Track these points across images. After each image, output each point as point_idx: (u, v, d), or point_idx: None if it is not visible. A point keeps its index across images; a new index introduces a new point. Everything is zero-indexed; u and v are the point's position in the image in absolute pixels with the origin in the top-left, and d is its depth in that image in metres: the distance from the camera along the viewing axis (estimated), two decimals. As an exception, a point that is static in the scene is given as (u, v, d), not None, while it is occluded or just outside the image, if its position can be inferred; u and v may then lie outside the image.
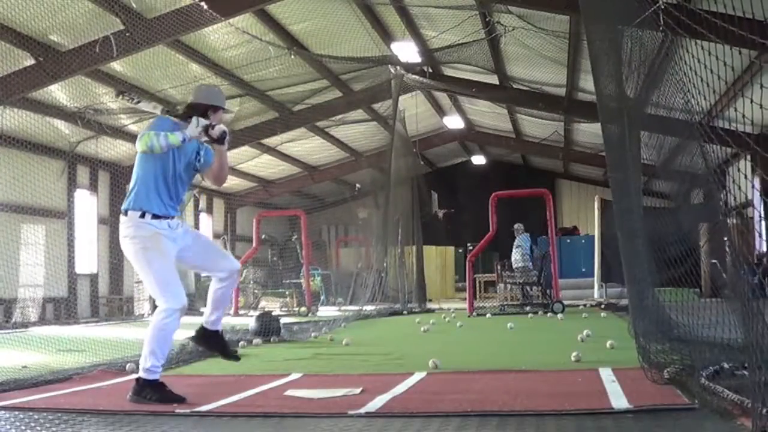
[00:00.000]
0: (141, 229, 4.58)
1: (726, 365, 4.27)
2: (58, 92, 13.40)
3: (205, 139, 4.71)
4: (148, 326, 4.63)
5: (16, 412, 4.23)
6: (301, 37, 13.50)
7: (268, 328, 9.20)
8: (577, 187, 28.30)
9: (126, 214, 4.63)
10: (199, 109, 4.78)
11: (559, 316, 12.56)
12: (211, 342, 5.00)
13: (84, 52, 11.42)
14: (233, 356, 5.25)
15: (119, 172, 17.43)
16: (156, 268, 4.59)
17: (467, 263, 14.96)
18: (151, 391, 4.46)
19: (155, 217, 4.61)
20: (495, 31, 13.03)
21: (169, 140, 4.52)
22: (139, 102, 5.36)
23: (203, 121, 4.64)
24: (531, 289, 15.59)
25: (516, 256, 15.46)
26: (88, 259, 17.25)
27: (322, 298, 19.17)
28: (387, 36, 14.02)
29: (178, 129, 4.64)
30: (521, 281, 15.36)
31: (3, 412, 4.26)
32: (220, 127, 4.71)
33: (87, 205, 17.37)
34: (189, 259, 4.87)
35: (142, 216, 4.59)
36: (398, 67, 15.65)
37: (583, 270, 19.56)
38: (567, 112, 17.42)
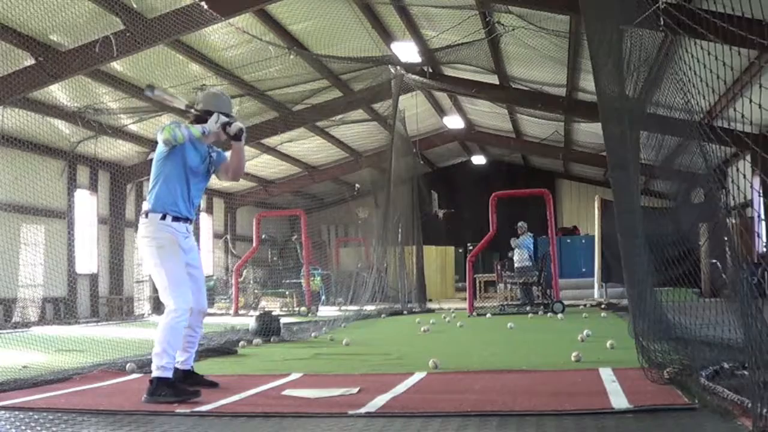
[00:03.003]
0: (160, 231, 4.74)
1: (726, 365, 4.26)
2: (58, 92, 13.41)
3: (224, 136, 4.97)
4: (158, 327, 4.68)
5: (16, 412, 4.23)
6: (301, 37, 13.50)
7: (268, 328, 9.20)
8: (577, 187, 28.29)
9: (147, 216, 4.76)
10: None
11: (559, 316, 12.56)
12: (190, 381, 4.96)
13: (84, 52, 11.43)
14: (213, 383, 5.12)
15: (119, 172, 17.45)
16: (169, 267, 4.71)
17: (467, 263, 14.96)
18: (167, 388, 4.50)
19: (175, 219, 4.78)
20: (495, 31, 13.04)
21: (191, 131, 4.79)
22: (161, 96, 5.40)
23: (223, 118, 4.93)
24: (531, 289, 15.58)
25: (517, 256, 15.48)
26: (88, 259, 17.26)
27: (322, 298, 19.17)
28: (387, 36, 14.02)
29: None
30: (521, 281, 15.35)
31: (3, 412, 4.25)
32: (237, 125, 4.98)
33: (87, 205, 17.38)
34: None
35: (163, 218, 4.75)
36: (398, 67, 15.65)
37: (583, 270, 19.53)
38: (567, 112, 17.42)
